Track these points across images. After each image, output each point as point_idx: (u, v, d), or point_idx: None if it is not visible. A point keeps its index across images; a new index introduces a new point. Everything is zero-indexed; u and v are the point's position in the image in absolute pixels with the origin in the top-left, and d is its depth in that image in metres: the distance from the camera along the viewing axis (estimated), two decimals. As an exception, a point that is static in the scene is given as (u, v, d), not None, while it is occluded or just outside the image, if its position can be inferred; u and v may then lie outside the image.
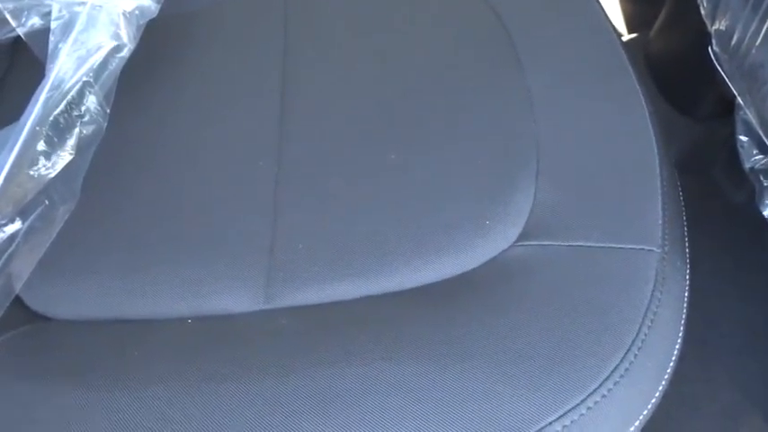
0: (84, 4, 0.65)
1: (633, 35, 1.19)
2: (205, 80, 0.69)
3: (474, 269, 0.52)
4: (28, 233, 0.48)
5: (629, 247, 0.50)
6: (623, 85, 0.60)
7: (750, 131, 0.81)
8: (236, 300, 0.54)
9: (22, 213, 0.48)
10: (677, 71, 1.05)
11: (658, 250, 0.50)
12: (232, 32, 0.74)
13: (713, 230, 0.91)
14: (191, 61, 0.70)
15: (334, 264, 0.54)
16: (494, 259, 0.52)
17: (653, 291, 0.48)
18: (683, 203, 0.57)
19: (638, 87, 0.60)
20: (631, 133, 0.57)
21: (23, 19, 0.64)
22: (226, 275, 0.55)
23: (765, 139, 0.77)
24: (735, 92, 0.81)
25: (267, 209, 0.58)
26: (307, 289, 0.54)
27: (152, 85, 0.68)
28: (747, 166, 0.79)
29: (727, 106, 0.85)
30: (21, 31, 0.64)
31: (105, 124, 0.55)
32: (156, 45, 0.69)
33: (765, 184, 0.75)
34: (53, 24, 0.62)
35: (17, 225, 0.48)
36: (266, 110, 0.64)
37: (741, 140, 0.82)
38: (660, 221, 0.51)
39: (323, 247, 0.55)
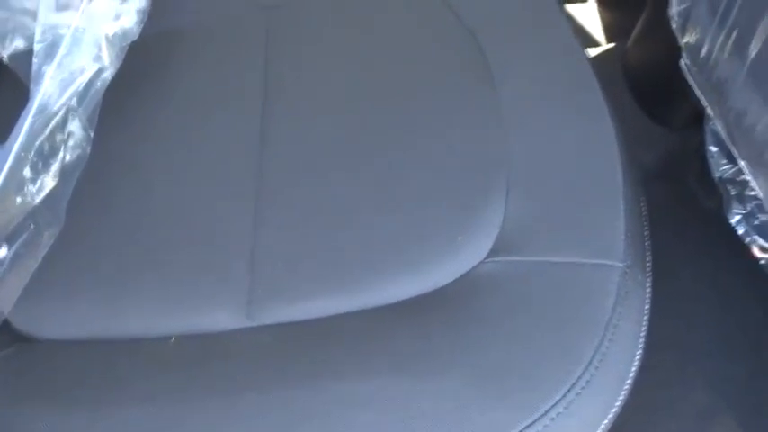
0: (67, 26, 0.66)
1: (611, 44, 1.22)
2: (186, 98, 0.70)
3: (447, 285, 0.54)
4: (14, 259, 0.50)
5: (592, 262, 0.52)
6: (590, 103, 0.62)
7: (719, 142, 0.83)
8: (219, 317, 0.56)
9: (9, 239, 0.50)
10: (653, 81, 1.07)
11: (620, 265, 0.52)
12: (214, 50, 0.75)
13: (694, 236, 0.93)
14: (172, 80, 0.72)
15: (313, 280, 0.56)
16: (465, 275, 0.54)
17: (614, 305, 0.50)
18: (646, 218, 0.59)
19: (604, 105, 0.62)
20: (596, 151, 0.59)
21: (7, 41, 0.66)
22: (208, 293, 0.56)
23: (732, 150, 0.79)
24: (704, 103, 0.83)
25: (248, 226, 0.59)
26: (287, 306, 0.55)
27: (134, 105, 0.69)
28: (716, 175, 0.81)
29: (700, 116, 0.88)
30: (4, 54, 0.65)
31: (89, 148, 0.57)
32: (138, 65, 0.70)
33: (732, 193, 0.78)
34: (36, 47, 0.63)
35: (3, 251, 0.49)
36: (246, 127, 0.66)
37: (710, 151, 0.84)
38: (622, 237, 0.53)
39: (302, 264, 0.57)
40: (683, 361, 0.86)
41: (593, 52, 1.19)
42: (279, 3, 0.77)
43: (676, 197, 0.93)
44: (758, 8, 0.75)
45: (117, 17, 0.71)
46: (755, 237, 0.74)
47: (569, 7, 1.26)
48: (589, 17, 1.25)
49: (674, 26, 0.90)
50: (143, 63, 0.72)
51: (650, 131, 1.04)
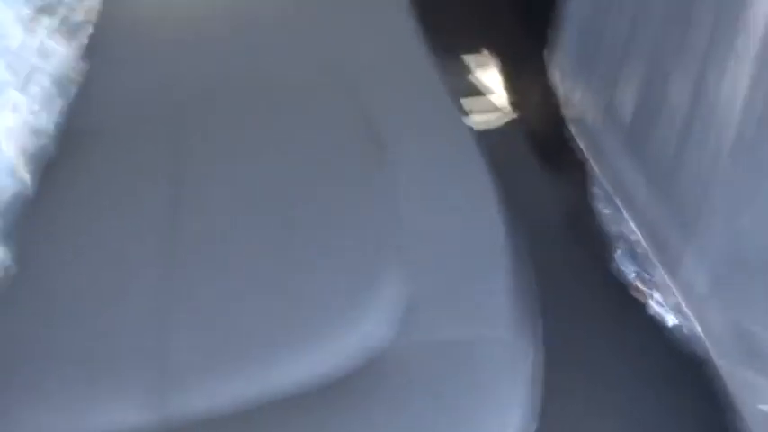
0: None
1: (512, 98, 1.28)
2: (98, 198, 0.72)
3: (348, 371, 0.57)
4: None
5: (480, 337, 0.57)
6: (476, 180, 0.69)
7: (606, 196, 0.91)
8: (127, 415, 0.56)
9: None
10: (549, 135, 1.14)
11: (508, 338, 0.57)
12: (126, 149, 0.77)
13: (595, 287, 0.96)
14: (84, 180, 0.74)
15: (218, 373, 0.58)
16: (367, 360, 0.57)
17: (501, 377, 0.55)
18: (536, 283, 0.64)
19: (490, 183, 0.68)
20: (482, 229, 0.65)
21: None
22: (113, 391, 0.57)
23: (617, 205, 0.86)
24: (588, 162, 0.91)
25: (155, 321, 0.61)
26: (194, 399, 0.57)
27: (44, 208, 0.70)
28: (605, 228, 0.89)
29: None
30: None
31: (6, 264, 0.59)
32: (52, 165, 0.73)
33: (619, 245, 0.85)
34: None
35: None
36: (156, 222, 0.68)
37: (594, 195, 0.92)
38: (508, 312, 0.59)
39: (207, 355, 0.58)
40: (591, 414, 0.90)
41: (495, 110, 1.26)
42: (187, 99, 0.81)
43: (578, 250, 0.99)
44: (633, 79, 0.83)
45: (33, 132, 0.74)
46: (641, 285, 0.82)
47: (470, 61, 1.35)
48: (491, 74, 1.33)
49: (553, 83, 0.99)
50: (57, 163, 0.74)
51: (550, 188, 1.09)
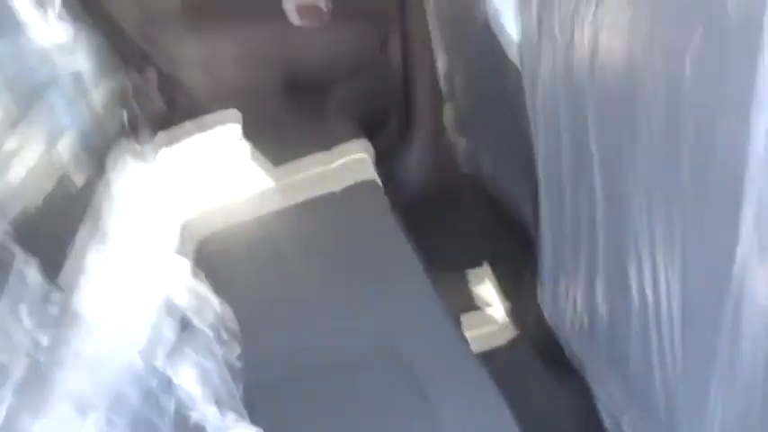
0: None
1: (514, 310, 1.36)
2: None
3: None
4: None
5: None
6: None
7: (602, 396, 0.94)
8: None
9: None
10: (552, 346, 1.20)
11: None
12: None
13: None
14: None
15: None
16: None
17: None
18: None
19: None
20: None
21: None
22: None
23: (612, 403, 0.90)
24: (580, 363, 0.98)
25: None
26: None
27: None
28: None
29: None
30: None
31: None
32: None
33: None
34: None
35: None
36: None
37: (599, 403, 0.94)
38: None
39: None
40: None
41: (498, 324, 1.33)
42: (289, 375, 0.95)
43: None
44: (600, 292, 0.89)
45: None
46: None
47: (471, 276, 1.43)
48: (491, 288, 1.41)
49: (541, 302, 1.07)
50: None
51: (558, 399, 1.11)
